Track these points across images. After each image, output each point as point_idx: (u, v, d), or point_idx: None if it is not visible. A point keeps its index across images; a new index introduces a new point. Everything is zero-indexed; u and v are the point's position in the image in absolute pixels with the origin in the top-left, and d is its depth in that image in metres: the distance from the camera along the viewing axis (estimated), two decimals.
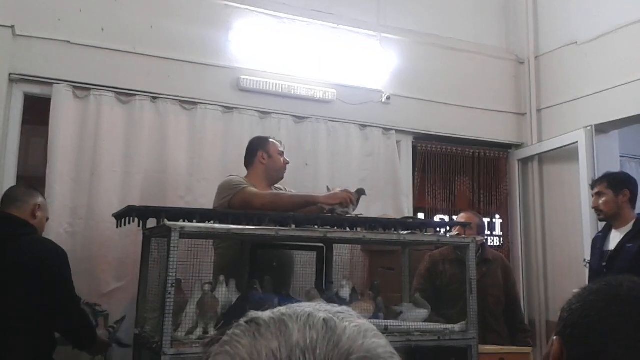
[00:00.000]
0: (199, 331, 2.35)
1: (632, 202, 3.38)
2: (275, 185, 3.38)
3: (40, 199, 2.76)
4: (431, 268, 3.68)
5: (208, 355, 0.56)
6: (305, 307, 0.56)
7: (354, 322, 0.55)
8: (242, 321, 0.56)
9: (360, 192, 2.98)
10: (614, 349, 0.85)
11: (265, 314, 0.55)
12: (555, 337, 0.94)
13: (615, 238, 3.36)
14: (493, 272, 3.72)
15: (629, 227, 3.31)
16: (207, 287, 2.42)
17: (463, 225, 3.35)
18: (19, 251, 2.52)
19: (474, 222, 3.76)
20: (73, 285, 2.64)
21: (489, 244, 4.75)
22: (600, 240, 3.48)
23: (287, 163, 3.35)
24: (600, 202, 3.39)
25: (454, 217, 4.46)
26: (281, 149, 3.36)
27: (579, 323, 0.90)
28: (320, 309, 0.56)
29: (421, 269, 3.69)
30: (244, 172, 3.35)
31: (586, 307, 0.91)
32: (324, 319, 0.53)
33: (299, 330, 0.52)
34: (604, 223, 3.59)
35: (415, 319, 2.75)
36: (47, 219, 2.86)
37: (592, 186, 3.53)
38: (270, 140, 3.38)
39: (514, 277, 4.10)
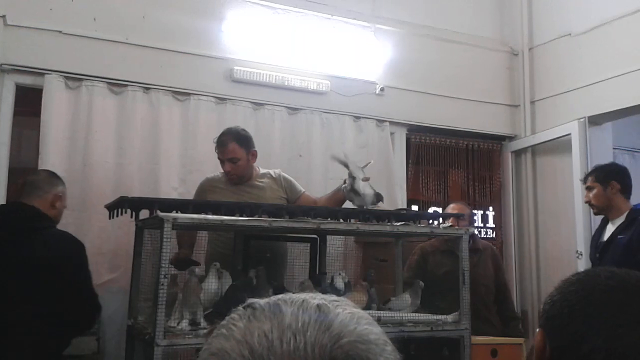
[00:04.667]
0: (185, 321, 2.32)
1: (624, 192, 3.34)
2: (270, 171, 3.34)
3: (60, 188, 2.67)
4: (421, 260, 3.69)
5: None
6: (301, 295, 0.58)
7: (348, 309, 0.56)
8: (240, 306, 0.57)
9: (379, 197, 2.93)
10: (593, 338, 0.86)
11: (262, 300, 0.57)
12: (538, 329, 0.95)
13: (609, 230, 3.37)
14: (484, 261, 3.74)
15: (622, 218, 3.30)
16: (193, 272, 2.42)
17: (457, 216, 3.35)
18: (42, 246, 2.45)
19: (466, 212, 3.77)
20: (91, 278, 2.62)
21: (482, 235, 4.77)
22: (598, 232, 3.49)
23: (228, 172, 3.17)
24: (591, 195, 3.40)
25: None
26: (220, 156, 3.18)
27: (560, 314, 0.91)
28: (315, 297, 0.57)
29: (411, 260, 3.69)
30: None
31: (566, 298, 0.92)
32: (317, 305, 0.55)
33: (292, 313, 0.54)
34: (600, 216, 3.60)
35: (400, 306, 2.77)
36: (65, 207, 2.76)
37: (583, 180, 3.53)
38: (215, 142, 3.21)
39: (503, 265, 4.14)
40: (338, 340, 0.51)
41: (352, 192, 2.85)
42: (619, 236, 3.26)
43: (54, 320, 2.44)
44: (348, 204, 3.09)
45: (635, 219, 3.25)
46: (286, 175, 3.38)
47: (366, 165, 2.95)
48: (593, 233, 3.64)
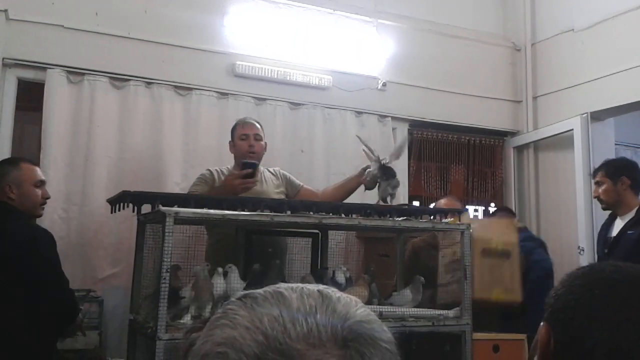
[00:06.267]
0: (190, 315, 2.34)
1: (635, 187, 3.30)
2: (269, 169, 3.35)
3: (9, 176, 2.63)
4: (413, 256, 3.67)
5: (191, 341, 0.57)
6: (296, 284, 0.59)
7: (344, 295, 0.58)
8: (233, 298, 0.58)
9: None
10: (598, 331, 0.86)
11: (259, 291, 0.58)
12: (542, 323, 0.94)
13: (618, 225, 3.33)
14: None
15: (632, 214, 3.26)
16: (200, 270, 2.43)
17: (454, 211, 3.34)
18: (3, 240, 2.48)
19: (456, 207, 3.76)
20: (60, 265, 2.61)
21: None
22: (605, 227, 3.45)
23: (251, 146, 3.21)
24: (600, 191, 3.36)
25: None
26: (244, 131, 3.23)
27: (564, 308, 0.91)
28: (311, 285, 0.59)
29: (405, 259, 3.69)
30: None
31: (571, 292, 0.91)
32: (318, 290, 0.57)
33: (297, 298, 0.55)
34: (600, 211, 3.58)
35: (400, 301, 2.77)
36: (42, 182, 2.73)
37: (593, 175, 3.49)
38: (238, 123, 3.29)
39: None
40: (346, 321, 0.54)
41: (380, 174, 2.86)
42: (628, 232, 3.22)
43: (29, 314, 2.45)
44: (349, 200, 3.10)
45: None
46: (284, 172, 3.42)
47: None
48: (599, 228, 3.59)
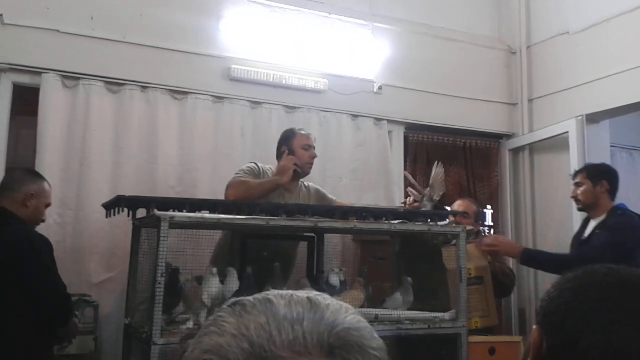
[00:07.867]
0: (190, 323, 2.35)
1: (611, 193, 3.42)
2: (304, 183, 3.36)
3: (33, 186, 2.68)
4: None
5: (185, 348, 0.57)
6: (287, 291, 0.59)
7: (334, 301, 0.58)
8: (224, 305, 0.58)
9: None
10: (590, 333, 0.85)
11: (248, 297, 0.57)
12: (535, 326, 0.94)
13: (590, 227, 3.44)
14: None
15: (603, 216, 3.38)
16: (185, 279, 2.43)
17: (460, 214, 3.33)
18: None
19: (471, 209, 3.75)
20: (56, 270, 2.61)
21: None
22: (579, 231, 3.55)
23: (314, 157, 3.30)
24: (579, 192, 3.44)
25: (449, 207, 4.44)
26: (308, 142, 3.31)
27: (557, 310, 0.90)
28: (301, 292, 0.59)
29: None
30: (234, 163, 3.36)
31: (563, 295, 0.91)
32: (307, 297, 0.57)
33: (284, 305, 0.55)
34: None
35: (393, 306, 2.77)
36: (48, 205, 2.80)
37: (573, 176, 3.57)
38: (298, 133, 3.33)
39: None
40: (333, 328, 0.54)
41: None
42: (597, 231, 3.34)
43: (26, 318, 2.45)
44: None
45: (614, 215, 3.31)
46: (317, 186, 3.45)
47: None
48: (575, 233, 3.65)
